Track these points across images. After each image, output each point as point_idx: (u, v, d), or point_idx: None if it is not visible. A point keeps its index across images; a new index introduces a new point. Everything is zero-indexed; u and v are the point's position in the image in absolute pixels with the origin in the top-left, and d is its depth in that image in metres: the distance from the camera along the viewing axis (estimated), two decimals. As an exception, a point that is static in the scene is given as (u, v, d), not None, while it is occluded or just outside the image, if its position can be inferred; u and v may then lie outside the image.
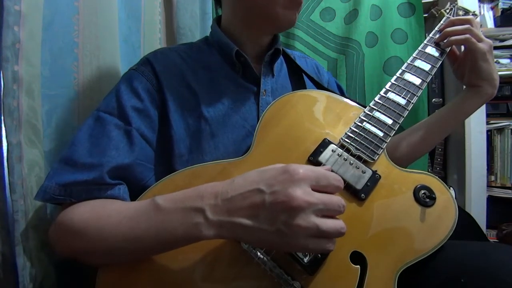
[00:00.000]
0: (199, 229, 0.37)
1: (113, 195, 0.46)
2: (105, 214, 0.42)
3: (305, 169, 0.36)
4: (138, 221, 0.40)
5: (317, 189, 0.36)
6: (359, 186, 0.47)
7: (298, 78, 0.70)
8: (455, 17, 0.64)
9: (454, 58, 0.65)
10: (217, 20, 0.67)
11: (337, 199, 0.36)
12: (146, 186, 0.48)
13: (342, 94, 0.62)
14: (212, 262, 0.41)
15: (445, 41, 0.61)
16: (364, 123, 0.53)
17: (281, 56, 0.68)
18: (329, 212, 0.36)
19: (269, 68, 0.64)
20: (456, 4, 0.70)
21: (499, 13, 1.33)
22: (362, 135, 0.51)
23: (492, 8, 1.38)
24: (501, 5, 1.33)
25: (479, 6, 1.34)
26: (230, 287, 0.41)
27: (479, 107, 0.64)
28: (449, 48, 0.62)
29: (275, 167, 0.38)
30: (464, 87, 0.65)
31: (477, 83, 0.61)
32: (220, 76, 0.60)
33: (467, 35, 0.58)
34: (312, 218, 0.34)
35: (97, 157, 0.46)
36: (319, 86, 0.70)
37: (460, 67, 0.64)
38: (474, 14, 0.67)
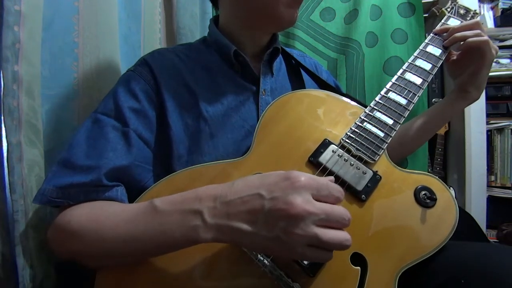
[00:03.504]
0: (196, 232, 0.36)
1: (111, 197, 0.46)
2: (103, 216, 0.42)
3: (306, 177, 0.36)
4: (136, 224, 0.39)
5: (318, 198, 0.35)
6: (359, 187, 0.46)
7: (297, 78, 0.70)
8: (465, 23, 0.62)
9: (450, 57, 0.65)
10: (215, 20, 0.66)
11: (340, 211, 0.35)
12: (145, 187, 0.48)
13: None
14: (212, 262, 0.41)
15: (461, 42, 0.60)
16: (365, 123, 0.53)
17: (280, 56, 0.68)
18: (332, 223, 0.35)
19: (268, 67, 0.64)
20: (457, 2, 0.70)
21: (499, 13, 1.33)
22: (362, 136, 0.51)
23: (492, 8, 1.38)
24: (501, 5, 1.33)
25: (479, 6, 1.34)
26: (230, 288, 0.41)
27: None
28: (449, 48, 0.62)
29: (277, 173, 0.37)
30: (450, 92, 0.67)
31: (468, 88, 0.63)
32: (219, 76, 0.60)
33: (486, 38, 0.58)
34: (312, 227, 0.33)
35: (95, 159, 0.46)
36: (318, 80, 0.70)
37: (460, 67, 0.64)
38: (475, 13, 0.67)
